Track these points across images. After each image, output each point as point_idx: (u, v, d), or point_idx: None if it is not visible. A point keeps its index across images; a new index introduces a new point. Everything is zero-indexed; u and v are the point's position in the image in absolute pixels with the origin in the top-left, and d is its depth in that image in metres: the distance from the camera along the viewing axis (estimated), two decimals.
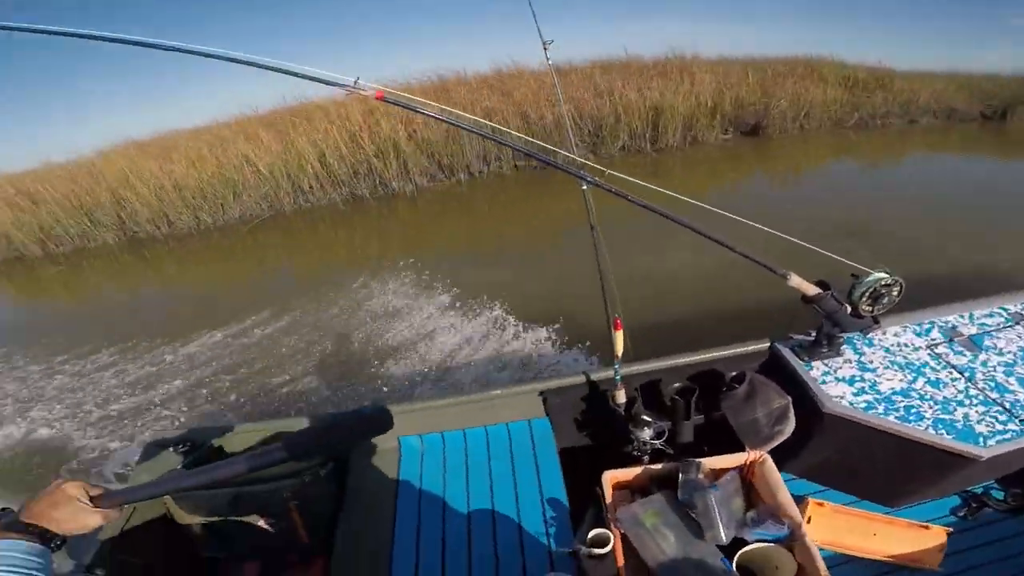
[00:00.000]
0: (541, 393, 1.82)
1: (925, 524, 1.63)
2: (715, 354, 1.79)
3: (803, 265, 1.57)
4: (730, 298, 3.71)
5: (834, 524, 1.62)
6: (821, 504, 1.62)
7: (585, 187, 1.48)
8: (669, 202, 1.46)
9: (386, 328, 4.36)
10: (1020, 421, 1.45)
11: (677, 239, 4.27)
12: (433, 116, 1.34)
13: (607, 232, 1.66)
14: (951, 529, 1.63)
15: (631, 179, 1.43)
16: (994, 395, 1.53)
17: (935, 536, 1.61)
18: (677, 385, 1.70)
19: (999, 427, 1.44)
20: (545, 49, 1.87)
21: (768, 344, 1.79)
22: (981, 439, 1.41)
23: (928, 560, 1.61)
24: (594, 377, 1.81)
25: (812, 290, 1.52)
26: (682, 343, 1.89)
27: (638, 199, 1.41)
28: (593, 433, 1.90)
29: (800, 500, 1.59)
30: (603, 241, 1.63)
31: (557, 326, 3.85)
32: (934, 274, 4.04)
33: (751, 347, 1.79)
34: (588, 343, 3.60)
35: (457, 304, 4.57)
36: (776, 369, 1.71)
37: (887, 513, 1.69)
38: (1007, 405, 1.49)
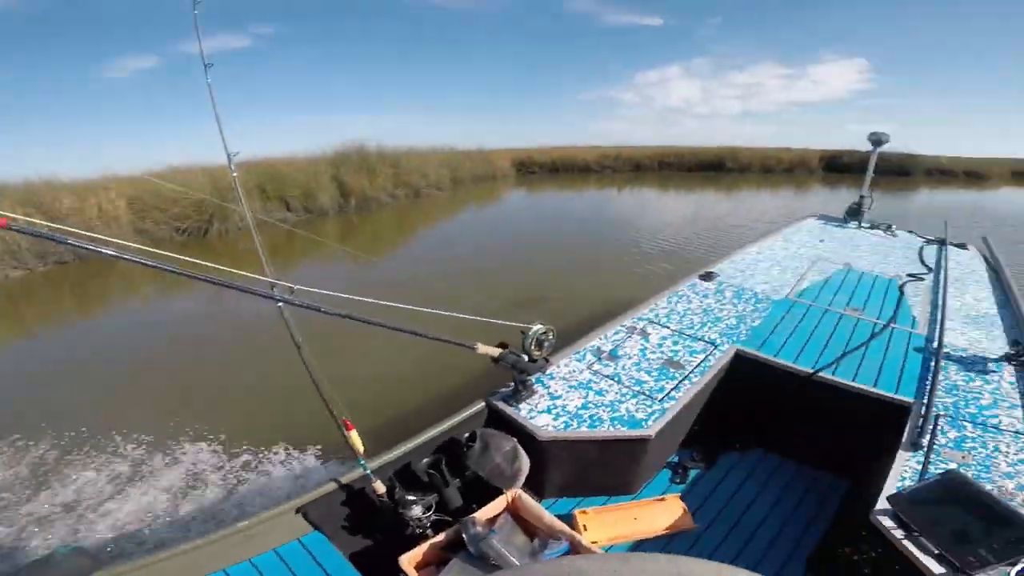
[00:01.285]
0: (299, 510, 1.60)
1: (662, 497, 1.94)
2: (447, 423, 1.91)
3: (486, 333, 1.93)
4: (445, 374, 3.79)
5: (603, 523, 1.80)
6: (585, 512, 1.81)
7: (280, 305, 1.60)
8: (363, 305, 1.61)
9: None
10: (658, 400, 2.01)
11: (386, 334, 4.14)
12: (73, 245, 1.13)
13: (318, 339, 1.71)
14: (678, 495, 1.98)
15: (324, 291, 1.55)
16: (636, 388, 2.09)
17: (673, 503, 1.92)
18: (426, 460, 1.75)
19: (649, 410, 1.95)
20: (230, 162, 1.85)
21: (484, 403, 2.02)
22: (643, 423, 1.88)
23: (684, 523, 1.86)
24: (346, 480, 1.69)
25: (495, 352, 1.92)
26: (417, 423, 1.93)
27: (331, 309, 1.56)
28: (369, 530, 1.73)
29: (568, 516, 1.79)
30: (309, 351, 1.69)
31: (293, 442, 3.14)
32: (579, 313, 4.83)
33: (473, 409, 1.99)
34: (331, 449, 3.04)
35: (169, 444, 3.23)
36: (496, 420, 1.94)
37: (633, 499, 1.96)
38: (646, 392, 2.06)
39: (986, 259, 3.96)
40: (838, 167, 23.16)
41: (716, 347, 2.36)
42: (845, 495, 2.05)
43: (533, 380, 2.07)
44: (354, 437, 1.57)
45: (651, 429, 1.85)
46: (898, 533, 1.34)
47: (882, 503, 1.43)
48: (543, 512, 1.51)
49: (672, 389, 2.08)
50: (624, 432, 1.85)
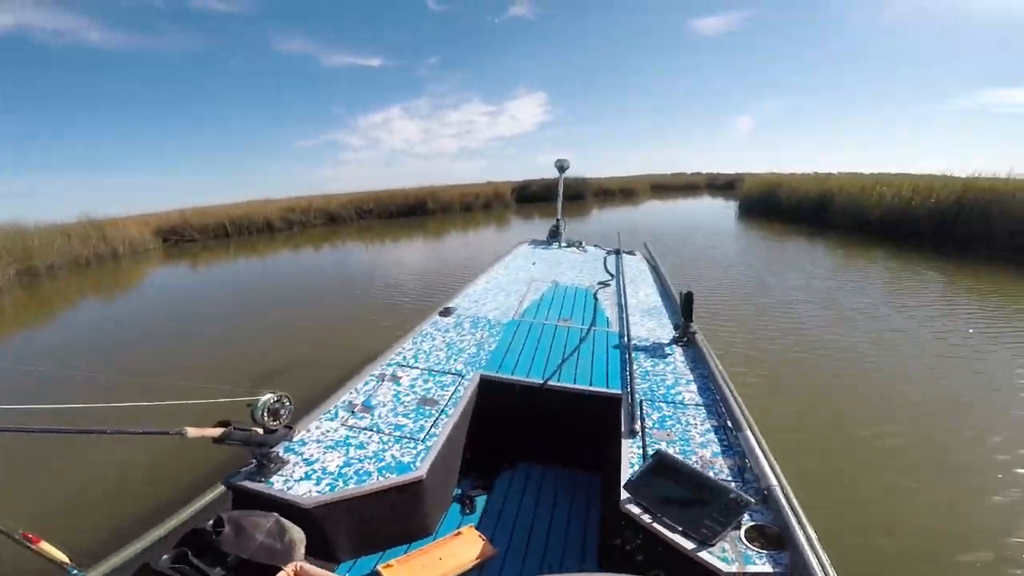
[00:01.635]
0: None
1: (459, 531, 1.87)
2: (184, 514, 1.58)
3: (197, 413, 1.67)
4: (180, 471, 3.12)
5: (412, 570, 1.68)
6: (390, 564, 1.69)
7: None
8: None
9: None
10: (421, 440, 1.94)
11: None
12: None
13: None
14: (472, 525, 1.93)
15: None
16: (398, 433, 1.99)
17: (470, 534, 1.86)
18: (168, 556, 1.41)
19: (415, 451, 1.89)
20: None
21: (222, 486, 1.71)
22: (412, 465, 1.81)
23: (486, 551, 1.81)
24: None
25: (215, 432, 1.58)
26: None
27: None
28: None
29: (373, 573, 1.67)
30: None
31: None
32: (323, 370, 4.64)
33: (212, 494, 1.68)
34: None
35: None
36: (245, 500, 1.68)
37: (433, 539, 1.87)
38: (408, 435, 1.99)
39: (648, 261, 5.14)
40: (528, 197, 25.35)
41: (463, 377, 2.42)
42: (602, 489, 2.23)
43: (280, 451, 1.83)
44: (46, 548, 1.17)
45: (421, 470, 1.78)
46: (646, 518, 1.45)
47: (624, 492, 1.55)
48: None
49: (432, 426, 2.03)
50: (396, 479, 1.74)
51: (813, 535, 1.30)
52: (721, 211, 20.06)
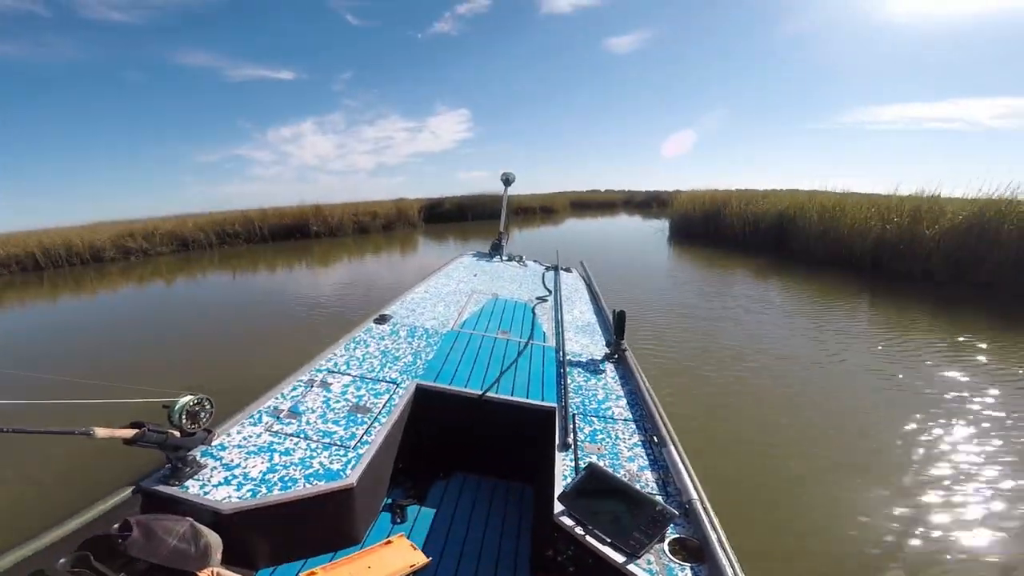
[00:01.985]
0: None
1: (388, 539, 1.84)
2: (85, 516, 1.44)
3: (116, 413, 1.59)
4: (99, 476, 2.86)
5: None
6: (314, 572, 1.66)
7: None
8: None
9: None
10: (352, 448, 1.91)
11: None
12: None
13: None
14: (404, 533, 1.90)
15: None
16: (327, 440, 1.94)
17: (400, 543, 1.84)
18: (65, 559, 1.30)
19: (345, 459, 1.84)
20: None
21: (131, 489, 1.59)
22: (341, 473, 1.76)
23: (416, 559, 1.79)
24: None
25: (128, 433, 1.48)
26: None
27: None
28: None
29: None
30: None
31: None
32: (245, 378, 4.38)
33: (119, 497, 1.55)
34: None
35: None
36: (156, 505, 1.59)
37: (361, 547, 1.83)
38: (338, 442, 1.94)
39: (584, 278, 5.29)
40: (441, 215, 22.74)
41: (398, 385, 2.39)
42: (535, 501, 2.25)
43: (197, 455, 1.74)
44: None
45: (351, 477, 1.74)
46: (577, 529, 1.48)
47: (557, 504, 1.57)
48: None
49: (364, 434, 1.99)
50: (324, 487, 1.69)
51: (730, 548, 1.37)
52: (646, 233, 18.11)
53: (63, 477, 3.14)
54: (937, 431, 3.65)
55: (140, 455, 1.59)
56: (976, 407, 3.98)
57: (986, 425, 3.71)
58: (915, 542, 2.59)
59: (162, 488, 1.61)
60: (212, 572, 1.35)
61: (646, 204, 33.80)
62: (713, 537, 1.41)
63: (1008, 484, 3.02)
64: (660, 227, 18.38)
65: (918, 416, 3.86)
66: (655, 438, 2.02)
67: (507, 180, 6.39)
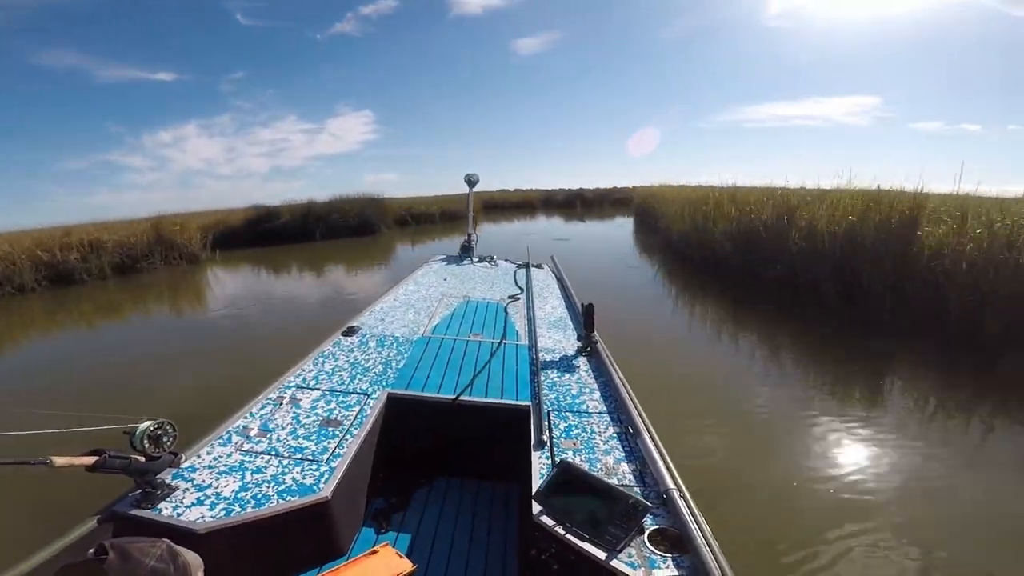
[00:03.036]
0: None
1: (374, 549, 1.82)
2: (56, 546, 1.39)
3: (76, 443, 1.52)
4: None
5: None
6: None
7: None
8: None
9: None
10: (325, 462, 1.88)
11: None
12: None
13: None
14: (389, 542, 1.88)
15: None
16: (299, 455, 1.91)
17: (386, 552, 1.81)
18: None
19: (318, 473, 1.81)
20: None
21: (102, 514, 1.55)
22: (315, 487, 1.73)
23: (403, 566, 1.77)
24: None
25: (88, 461, 1.44)
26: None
27: None
28: None
29: None
30: None
31: None
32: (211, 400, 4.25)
33: (88, 526, 1.50)
34: None
35: None
36: (129, 529, 1.56)
37: (346, 559, 1.81)
38: (310, 456, 1.90)
39: (554, 273, 5.31)
40: (266, 235, 14.92)
41: (369, 396, 2.36)
42: (517, 500, 2.25)
43: (168, 478, 1.71)
44: None
45: (325, 491, 1.72)
46: (556, 528, 1.48)
47: (534, 503, 1.57)
48: None
49: (336, 447, 1.96)
50: (298, 502, 1.66)
51: (711, 535, 1.36)
52: (604, 245, 15.44)
53: (27, 509, 2.97)
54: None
55: (110, 482, 1.53)
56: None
57: None
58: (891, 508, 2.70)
59: (134, 512, 1.57)
60: None
61: (568, 204, 32.56)
62: (692, 525, 1.39)
63: None
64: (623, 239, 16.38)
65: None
66: (630, 429, 2.03)
67: (471, 181, 6.39)
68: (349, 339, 3.08)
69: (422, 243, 16.64)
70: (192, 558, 1.45)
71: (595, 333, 2.93)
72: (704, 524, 1.41)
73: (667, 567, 1.32)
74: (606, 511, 1.44)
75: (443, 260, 5.84)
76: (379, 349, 2.94)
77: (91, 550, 1.33)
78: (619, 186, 35.63)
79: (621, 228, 20.60)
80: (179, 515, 1.57)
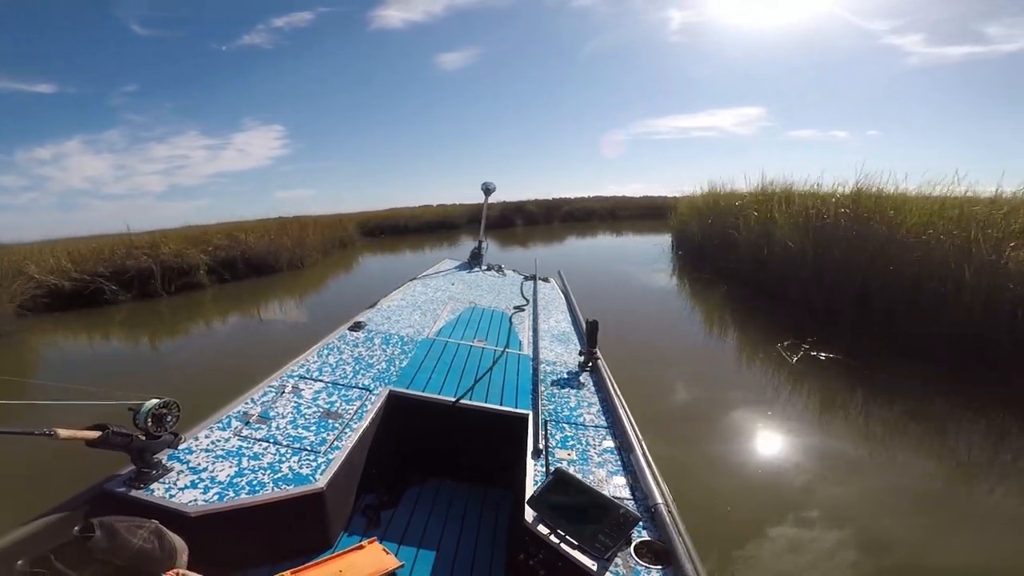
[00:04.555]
0: None
1: (361, 544, 1.82)
2: (44, 520, 1.41)
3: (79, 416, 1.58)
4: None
5: None
6: None
7: None
8: None
9: None
10: (322, 453, 1.91)
11: None
12: None
13: None
14: (376, 538, 1.87)
15: None
16: (297, 445, 1.94)
17: (373, 548, 1.81)
18: (23, 561, 1.25)
19: (315, 464, 1.84)
20: None
21: (94, 491, 1.57)
22: (311, 478, 1.77)
23: (389, 563, 1.78)
24: None
25: (91, 435, 1.48)
26: None
27: None
28: None
29: None
30: None
31: None
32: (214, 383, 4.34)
33: (78, 501, 1.52)
34: None
35: None
36: (120, 507, 1.54)
37: (333, 552, 1.80)
38: (308, 447, 1.94)
39: (561, 289, 5.33)
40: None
41: (371, 392, 2.39)
42: (508, 506, 2.28)
43: (163, 458, 1.72)
44: None
45: (320, 482, 1.75)
46: (547, 534, 1.50)
47: (527, 509, 1.60)
48: None
49: (335, 439, 1.99)
50: (293, 491, 1.69)
51: (693, 550, 1.40)
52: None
53: (23, 479, 3.03)
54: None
55: (103, 458, 1.56)
56: None
57: None
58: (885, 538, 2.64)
59: (126, 491, 1.59)
60: (177, 574, 1.33)
61: (504, 222, 25.26)
62: (678, 540, 1.44)
63: None
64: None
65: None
66: (624, 444, 2.06)
67: (487, 189, 6.49)
68: (355, 334, 3.12)
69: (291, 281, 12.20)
70: (178, 542, 1.46)
71: (597, 349, 2.95)
72: (688, 539, 1.45)
73: None
74: (597, 520, 1.48)
75: (452, 264, 5.89)
76: (384, 347, 2.98)
77: (76, 528, 1.35)
78: (567, 196, 31.44)
79: (632, 250, 17.08)
80: (172, 497, 1.59)
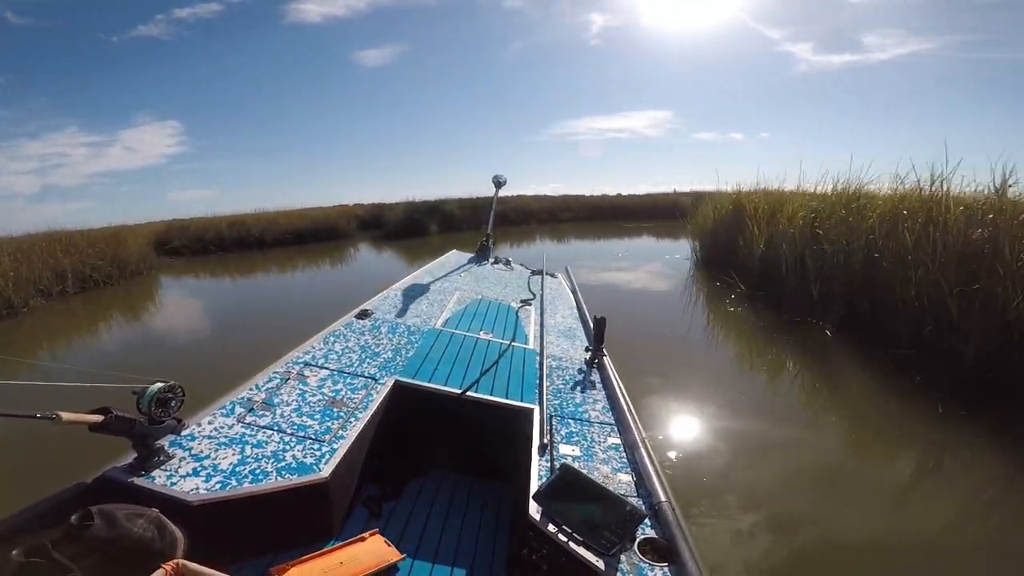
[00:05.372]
0: None
1: (363, 536, 1.81)
2: (39, 508, 1.41)
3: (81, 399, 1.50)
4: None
5: (309, 575, 1.62)
6: (283, 567, 1.62)
7: None
8: None
9: None
10: (327, 442, 1.89)
11: None
12: None
13: None
14: (378, 530, 1.88)
15: None
16: (301, 433, 1.92)
17: (375, 539, 1.81)
18: (19, 550, 1.22)
19: (319, 453, 1.83)
20: None
21: (93, 478, 1.55)
22: (315, 467, 1.75)
23: (391, 555, 1.78)
24: None
25: (95, 419, 1.44)
26: None
27: None
28: None
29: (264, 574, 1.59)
30: None
31: None
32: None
33: (77, 487, 1.51)
34: None
35: None
36: (120, 495, 1.51)
37: (334, 543, 1.80)
38: (312, 436, 1.92)
39: (568, 285, 5.33)
40: None
41: (377, 381, 2.38)
42: (511, 500, 2.27)
43: (165, 445, 1.69)
44: None
45: (325, 472, 1.73)
46: (551, 528, 1.50)
47: (532, 503, 1.59)
48: None
49: (339, 429, 1.97)
50: (296, 480, 1.67)
51: (695, 549, 1.42)
52: None
53: (21, 464, 3.03)
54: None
55: (103, 443, 1.54)
56: None
57: None
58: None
59: (126, 478, 1.57)
60: (177, 564, 1.31)
61: (410, 228, 19.17)
62: (680, 538, 1.45)
63: None
64: None
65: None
66: (629, 441, 2.06)
67: (498, 182, 6.47)
68: (361, 322, 3.10)
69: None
70: (178, 531, 1.44)
71: (603, 347, 2.93)
72: (691, 537, 1.47)
73: (654, 575, 1.37)
74: (604, 516, 1.49)
75: (460, 256, 5.87)
76: (390, 336, 2.96)
77: (74, 516, 1.32)
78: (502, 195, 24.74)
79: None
80: (173, 485, 1.57)
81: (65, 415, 1.35)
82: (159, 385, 1.60)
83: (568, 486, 1.61)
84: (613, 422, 2.24)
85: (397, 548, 1.82)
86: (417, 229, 19.36)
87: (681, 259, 12.43)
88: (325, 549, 1.75)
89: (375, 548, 1.78)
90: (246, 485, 1.61)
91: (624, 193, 29.31)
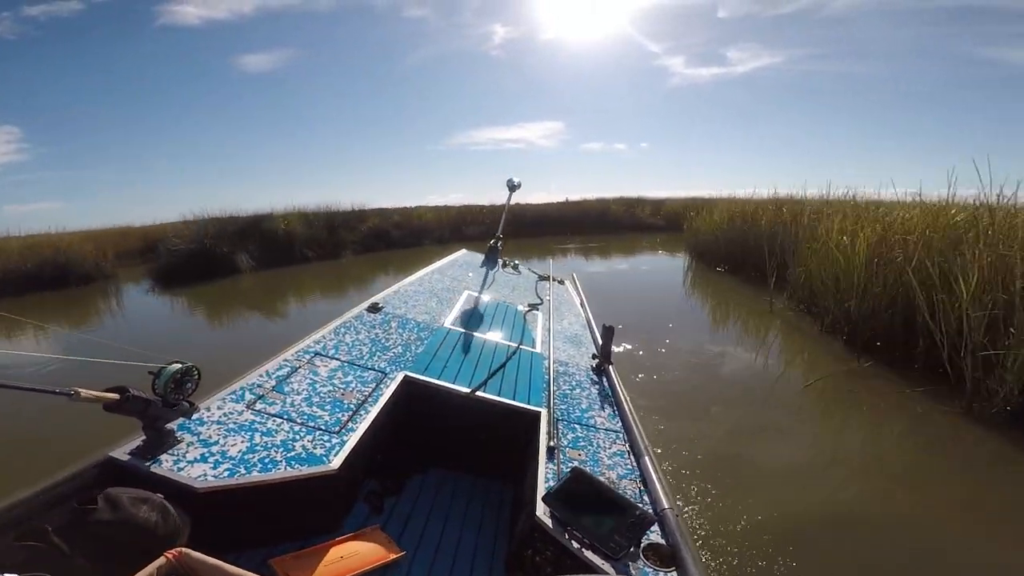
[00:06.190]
0: None
1: (363, 530, 1.83)
2: (39, 487, 1.37)
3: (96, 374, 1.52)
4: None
5: (308, 567, 1.62)
6: (284, 559, 1.63)
7: None
8: None
9: None
10: (336, 434, 1.89)
11: None
12: None
13: None
14: (379, 525, 1.89)
15: None
16: (311, 424, 1.92)
17: (375, 534, 1.82)
18: (16, 533, 1.19)
19: (328, 444, 1.82)
20: None
21: (99, 460, 1.53)
22: (324, 458, 1.74)
23: (391, 551, 1.78)
24: None
25: (112, 397, 1.44)
26: None
27: None
28: None
29: (264, 567, 1.59)
30: None
31: None
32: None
33: (82, 469, 1.48)
34: None
35: None
36: (125, 478, 1.51)
37: (336, 536, 1.80)
38: (322, 426, 1.91)
39: (575, 291, 5.37)
40: None
41: (387, 375, 2.39)
42: (515, 500, 2.27)
43: (175, 428, 1.66)
44: None
45: (335, 464, 1.72)
46: (560, 531, 1.51)
47: (539, 505, 1.59)
48: (222, 567, 1.21)
49: (349, 421, 1.97)
50: (306, 471, 1.66)
51: (698, 556, 1.44)
52: None
53: (29, 443, 3.02)
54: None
55: (112, 423, 1.53)
56: None
57: None
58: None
59: (133, 461, 1.55)
60: (179, 552, 1.28)
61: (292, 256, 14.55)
62: (683, 545, 1.47)
63: None
64: None
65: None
66: (634, 448, 2.08)
67: (512, 186, 6.50)
68: (372, 315, 3.12)
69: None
70: (183, 518, 1.41)
71: (610, 354, 2.94)
72: (693, 545, 1.49)
73: None
74: (613, 520, 1.50)
75: (469, 256, 5.89)
76: (400, 331, 2.97)
77: (77, 500, 1.30)
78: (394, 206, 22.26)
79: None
80: (180, 470, 1.55)
81: (84, 392, 1.34)
82: (176, 366, 1.59)
83: (579, 489, 1.62)
84: (619, 429, 2.25)
85: (398, 543, 1.82)
86: (217, 264, 12.90)
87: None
88: (326, 542, 1.74)
89: (376, 543, 1.78)
90: (255, 474, 1.60)
91: (533, 203, 24.61)
